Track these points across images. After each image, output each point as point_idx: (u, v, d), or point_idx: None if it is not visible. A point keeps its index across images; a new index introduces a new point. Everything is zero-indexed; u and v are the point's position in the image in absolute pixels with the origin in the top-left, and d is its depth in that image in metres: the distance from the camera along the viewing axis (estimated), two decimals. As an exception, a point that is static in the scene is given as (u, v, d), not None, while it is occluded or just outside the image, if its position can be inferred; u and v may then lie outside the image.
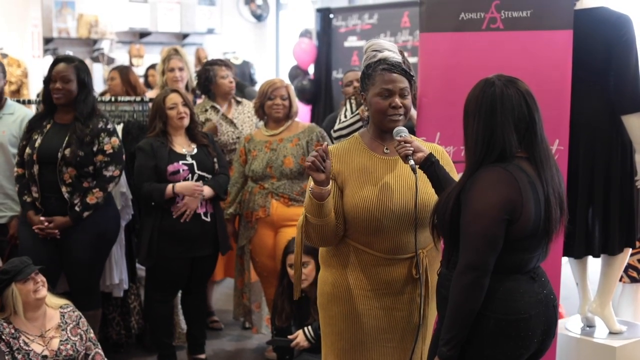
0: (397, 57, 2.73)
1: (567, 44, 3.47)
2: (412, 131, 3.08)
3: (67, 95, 3.96)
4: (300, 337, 3.88)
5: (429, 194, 2.67)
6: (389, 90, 2.67)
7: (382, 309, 2.73)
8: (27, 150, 3.98)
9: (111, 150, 4.03)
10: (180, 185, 4.15)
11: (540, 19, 3.50)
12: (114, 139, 4.06)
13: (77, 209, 3.96)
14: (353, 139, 2.83)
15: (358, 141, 2.81)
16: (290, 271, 4.02)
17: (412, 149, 2.59)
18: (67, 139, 3.94)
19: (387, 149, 2.76)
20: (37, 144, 3.94)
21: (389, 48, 2.74)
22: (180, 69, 5.25)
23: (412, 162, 2.58)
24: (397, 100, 2.67)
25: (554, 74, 3.47)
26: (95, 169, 4.01)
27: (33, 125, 4.04)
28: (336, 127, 4.58)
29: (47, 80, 4.00)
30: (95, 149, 3.99)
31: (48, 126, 4.00)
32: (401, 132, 2.65)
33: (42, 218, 3.94)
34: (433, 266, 2.75)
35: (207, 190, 4.21)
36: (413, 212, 2.66)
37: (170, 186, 4.13)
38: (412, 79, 2.74)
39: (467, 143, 2.42)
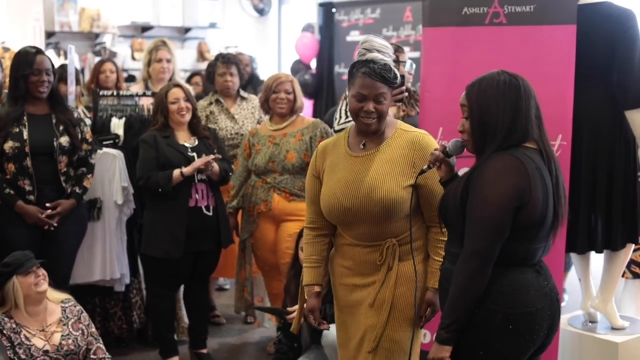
0: (385, 59, 2.73)
1: (571, 38, 3.45)
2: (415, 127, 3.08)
3: (50, 87, 3.95)
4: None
5: (390, 189, 2.71)
6: (363, 95, 2.72)
7: (352, 286, 2.86)
8: (11, 143, 3.84)
9: (91, 139, 4.11)
10: (187, 170, 4.14)
11: (543, 14, 3.49)
12: (88, 128, 4.16)
13: (78, 191, 3.99)
14: (343, 133, 2.94)
15: (345, 135, 2.91)
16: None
17: (438, 163, 2.62)
18: (61, 128, 3.94)
19: (364, 144, 2.83)
20: (25, 136, 3.87)
21: (379, 49, 2.75)
22: (168, 60, 5.20)
23: (425, 167, 2.66)
24: (370, 106, 2.72)
25: (557, 69, 3.46)
26: (79, 157, 4.03)
27: (7, 119, 3.88)
28: (336, 127, 4.57)
29: (26, 73, 3.86)
30: (80, 137, 4.02)
31: (25, 118, 3.91)
32: (451, 146, 2.60)
33: (47, 204, 3.90)
34: (409, 255, 2.77)
35: (215, 166, 4.20)
36: (371, 208, 2.72)
37: (177, 171, 4.13)
38: (393, 84, 2.75)
39: (482, 129, 2.41)
